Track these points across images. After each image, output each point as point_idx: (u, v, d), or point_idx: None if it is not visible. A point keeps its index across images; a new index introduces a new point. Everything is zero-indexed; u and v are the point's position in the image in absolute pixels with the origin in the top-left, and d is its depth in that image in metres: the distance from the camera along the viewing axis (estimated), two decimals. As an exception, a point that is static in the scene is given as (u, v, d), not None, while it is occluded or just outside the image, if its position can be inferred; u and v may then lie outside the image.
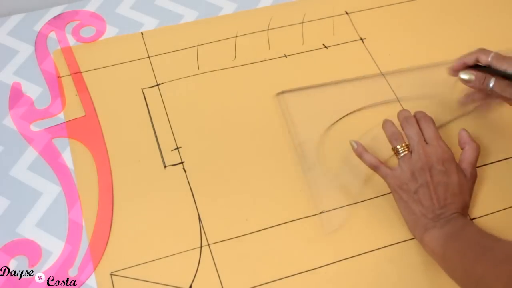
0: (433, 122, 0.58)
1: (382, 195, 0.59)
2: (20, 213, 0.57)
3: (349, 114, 0.65)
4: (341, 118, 0.64)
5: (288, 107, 0.65)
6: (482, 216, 0.58)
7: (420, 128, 0.57)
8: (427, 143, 0.56)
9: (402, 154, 0.55)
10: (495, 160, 0.62)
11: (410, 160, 0.55)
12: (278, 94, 0.66)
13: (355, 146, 0.58)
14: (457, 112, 0.64)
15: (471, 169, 0.56)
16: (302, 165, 0.61)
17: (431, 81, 0.67)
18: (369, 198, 0.59)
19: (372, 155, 0.57)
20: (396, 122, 0.59)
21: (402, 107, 0.65)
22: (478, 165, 0.58)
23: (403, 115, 0.58)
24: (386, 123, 0.59)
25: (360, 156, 0.57)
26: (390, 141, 0.57)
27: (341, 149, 0.61)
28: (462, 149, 0.57)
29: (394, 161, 0.57)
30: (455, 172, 0.54)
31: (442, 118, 0.63)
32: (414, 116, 0.58)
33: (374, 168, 0.57)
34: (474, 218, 0.58)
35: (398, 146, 0.56)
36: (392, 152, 0.57)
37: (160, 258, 0.55)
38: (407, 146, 0.56)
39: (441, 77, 0.62)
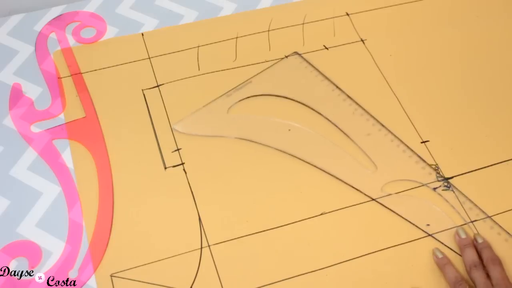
0: (501, 263, 0.54)
1: (381, 197, 0.59)
2: (20, 213, 0.57)
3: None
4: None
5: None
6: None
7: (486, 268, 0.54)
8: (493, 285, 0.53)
9: None
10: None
11: None
12: None
13: (440, 256, 0.55)
14: None
15: None
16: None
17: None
18: (368, 200, 0.59)
19: (456, 270, 0.54)
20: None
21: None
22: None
23: (472, 261, 0.54)
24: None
25: (442, 267, 0.55)
26: None
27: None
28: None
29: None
30: None
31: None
32: (479, 255, 0.55)
33: (454, 285, 0.53)
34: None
35: None
36: None
37: (161, 260, 0.55)
38: None
39: None
